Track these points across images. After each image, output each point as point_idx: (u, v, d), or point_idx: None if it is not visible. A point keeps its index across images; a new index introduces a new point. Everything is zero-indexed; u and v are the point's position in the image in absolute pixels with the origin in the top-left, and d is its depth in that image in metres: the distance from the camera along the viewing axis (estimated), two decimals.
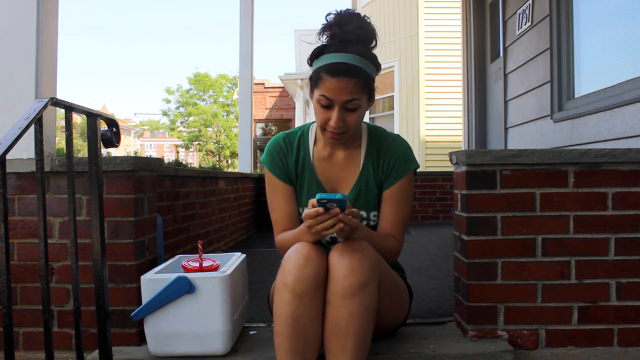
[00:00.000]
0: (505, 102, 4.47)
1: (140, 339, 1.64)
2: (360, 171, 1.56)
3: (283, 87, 17.83)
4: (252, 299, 2.15)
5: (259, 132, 19.25)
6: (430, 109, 8.76)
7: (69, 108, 1.32)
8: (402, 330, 1.73)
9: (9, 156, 1.12)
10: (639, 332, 1.63)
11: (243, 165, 4.98)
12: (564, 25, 3.33)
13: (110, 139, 1.46)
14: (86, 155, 1.45)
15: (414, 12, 8.92)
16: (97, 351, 1.50)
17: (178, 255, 1.82)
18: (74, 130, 1.41)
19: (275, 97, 19.10)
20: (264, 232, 4.58)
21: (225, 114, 26.72)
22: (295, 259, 1.32)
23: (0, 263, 1.08)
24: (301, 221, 1.55)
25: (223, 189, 3.56)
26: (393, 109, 9.42)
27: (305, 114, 13.94)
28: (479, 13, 5.43)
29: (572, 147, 3.04)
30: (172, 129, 28.44)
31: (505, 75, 4.45)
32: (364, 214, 1.56)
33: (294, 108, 17.47)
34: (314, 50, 1.47)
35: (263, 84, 18.91)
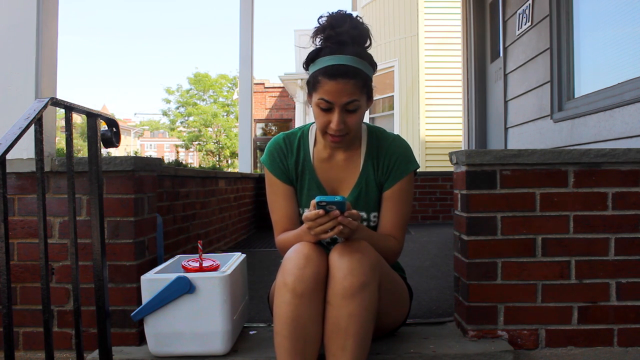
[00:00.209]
0: (505, 102, 4.47)
1: (140, 339, 1.64)
2: (360, 172, 1.56)
3: (283, 87, 17.83)
4: (252, 299, 2.15)
5: (259, 132, 19.25)
6: (430, 109, 8.76)
7: (69, 108, 1.32)
8: (402, 330, 1.73)
9: (9, 156, 1.12)
10: (639, 332, 1.63)
11: (243, 165, 4.98)
12: (564, 25, 3.34)
13: (110, 139, 1.46)
14: (86, 155, 1.45)
15: (414, 12, 8.92)
16: (97, 351, 1.50)
17: (178, 255, 1.82)
18: (74, 130, 1.41)
19: (275, 97, 19.10)
20: (264, 232, 4.58)
21: (225, 114, 26.72)
22: (295, 259, 1.33)
23: (0, 263, 1.08)
24: (301, 222, 1.56)
25: (223, 189, 3.56)
26: (393, 109, 9.42)
27: (305, 114, 13.94)
28: (479, 13, 5.43)
29: (572, 147, 3.04)
30: (172, 129, 28.45)
31: (505, 75, 4.45)
32: (364, 214, 1.56)
33: (294, 108, 17.47)
34: (309, 54, 1.46)
35: (263, 84, 18.90)
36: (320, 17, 1.47)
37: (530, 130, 3.91)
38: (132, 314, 1.51)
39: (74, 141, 3.74)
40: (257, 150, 15.64)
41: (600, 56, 3.10)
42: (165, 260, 1.79)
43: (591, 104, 2.93)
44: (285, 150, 1.58)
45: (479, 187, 1.64)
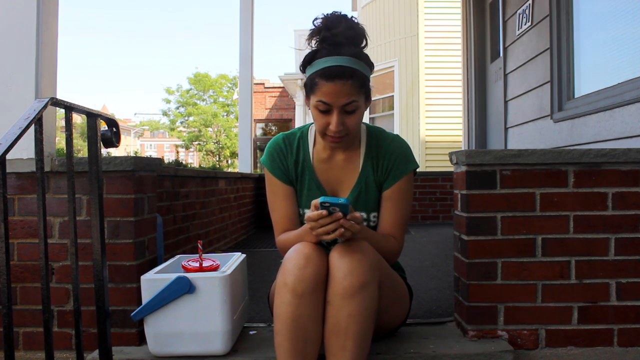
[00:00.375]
0: (505, 102, 4.47)
1: (140, 339, 1.64)
2: (360, 172, 1.56)
3: (283, 87, 17.83)
4: (252, 299, 2.15)
5: (259, 132, 19.25)
6: (430, 109, 8.76)
7: (69, 108, 1.32)
8: (402, 330, 1.73)
9: (9, 156, 1.12)
10: (639, 332, 1.63)
11: (243, 165, 4.98)
12: (564, 25, 3.34)
13: (110, 139, 1.46)
14: (86, 155, 1.45)
15: (414, 12, 8.92)
16: (97, 351, 1.50)
17: (178, 255, 1.82)
18: (74, 130, 1.41)
19: (275, 97, 19.10)
20: (264, 232, 4.58)
21: (225, 114, 26.73)
22: (295, 259, 1.33)
23: (0, 263, 1.08)
24: (302, 222, 1.56)
25: (223, 189, 3.56)
26: (393, 109, 9.42)
27: (305, 114, 13.95)
28: (479, 13, 5.43)
29: (572, 147, 3.04)
30: (172, 129, 28.45)
31: (505, 75, 4.45)
32: (364, 214, 1.56)
33: (294, 108, 17.47)
34: (305, 57, 1.46)
35: (263, 84, 18.90)
36: (315, 19, 1.46)
37: (530, 130, 3.91)
38: (132, 314, 1.51)
39: (74, 141, 3.74)
40: (257, 150, 15.64)
41: (600, 56, 3.10)
42: (165, 260, 1.79)
43: (591, 104, 2.93)
44: (284, 151, 1.58)
45: (479, 187, 1.64)
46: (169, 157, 31.60)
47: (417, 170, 1.59)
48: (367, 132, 1.59)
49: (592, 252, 1.63)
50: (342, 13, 1.46)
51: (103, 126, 1.47)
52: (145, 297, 1.50)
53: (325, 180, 1.57)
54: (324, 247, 1.44)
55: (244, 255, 1.81)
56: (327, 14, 1.45)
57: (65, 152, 1.39)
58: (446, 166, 3.47)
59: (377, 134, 1.59)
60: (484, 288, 1.63)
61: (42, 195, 1.21)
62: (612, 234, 1.63)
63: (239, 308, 1.64)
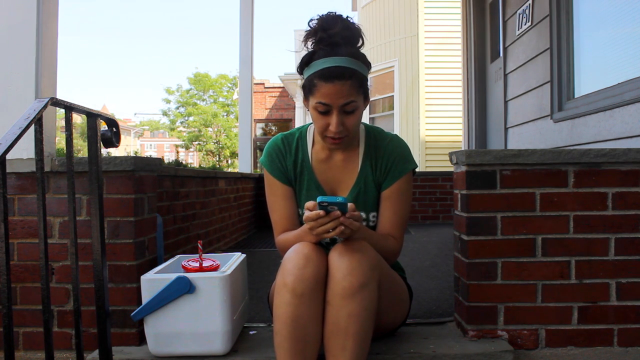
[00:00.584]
0: (505, 102, 4.47)
1: (140, 339, 1.64)
2: (359, 172, 1.56)
3: (283, 87, 17.84)
4: (252, 299, 2.15)
5: (259, 132, 19.25)
6: (430, 109, 8.76)
7: (69, 108, 1.32)
8: (402, 330, 1.73)
9: (9, 156, 1.12)
10: (639, 332, 1.63)
11: (243, 165, 4.98)
12: (564, 25, 3.34)
13: (110, 139, 1.46)
14: (86, 155, 1.45)
15: (414, 12, 8.92)
16: (97, 351, 1.50)
17: (178, 255, 1.82)
18: (74, 130, 1.41)
19: (275, 97, 19.10)
20: (264, 232, 4.58)
21: (225, 114, 26.73)
22: (295, 259, 1.32)
23: (0, 263, 1.08)
24: (301, 222, 1.56)
25: (223, 189, 3.56)
26: (393, 109, 9.42)
27: (305, 114, 13.96)
28: (479, 13, 5.43)
29: (572, 147, 3.04)
30: (172, 129, 28.45)
31: (505, 75, 4.45)
32: (363, 214, 1.56)
33: (294, 108, 17.48)
34: (303, 58, 1.45)
35: (263, 84, 18.91)
36: (311, 20, 1.46)
37: (530, 130, 3.91)
38: (132, 314, 1.51)
39: (74, 141, 3.74)
40: (257, 150, 15.65)
41: (600, 56, 3.10)
42: (165, 260, 1.79)
43: (591, 104, 2.93)
44: (283, 151, 1.58)
45: (479, 187, 1.64)
46: (169, 157, 31.62)
47: (417, 170, 1.59)
48: (365, 132, 1.59)
49: (592, 252, 1.63)
50: (337, 13, 1.46)
51: (103, 126, 1.47)
52: (145, 297, 1.50)
53: (324, 181, 1.57)
54: (323, 247, 1.44)
55: (244, 255, 1.81)
56: (323, 15, 1.45)
57: (65, 152, 1.39)
58: (446, 166, 3.47)
59: (375, 134, 1.59)
60: (484, 288, 1.63)
61: (42, 195, 1.21)
62: (612, 234, 1.63)
63: (239, 308, 1.64)
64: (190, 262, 1.63)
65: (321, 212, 1.28)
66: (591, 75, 3.20)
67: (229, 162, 26.50)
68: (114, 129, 1.47)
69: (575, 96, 3.28)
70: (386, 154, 1.56)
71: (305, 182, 1.57)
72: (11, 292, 1.11)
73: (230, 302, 1.51)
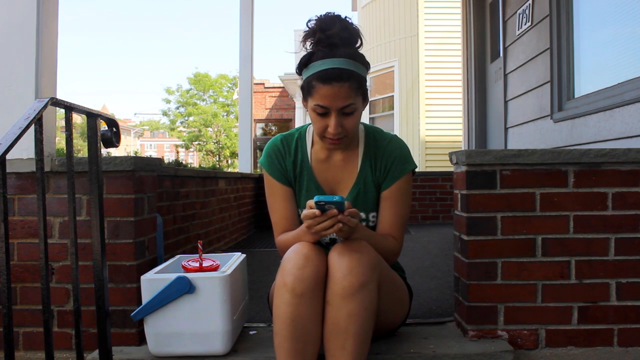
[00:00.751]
0: (505, 102, 4.47)
1: (140, 339, 1.64)
2: (358, 172, 1.56)
3: (283, 87, 17.84)
4: (252, 299, 2.15)
5: (259, 132, 19.25)
6: (430, 109, 8.76)
7: (69, 108, 1.32)
8: (402, 330, 1.73)
9: (9, 156, 1.12)
10: (639, 332, 1.63)
11: (243, 165, 4.98)
12: (564, 25, 3.34)
13: (110, 139, 1.46)
14: (86, 155, 1.45)
15: (414, 12, 8.93)
16: (97, 351, 1.50)
17: (178, 255, 1.82)
18: (74, 130, 1.41)
19: (275, 97, 19.10)
20: (264, 232, 4.58)
21: (225, 114, 26.73)
22: (294, 259, 1.32)
23: (0, 263, 1.08)
24: (301, 222, 1.56)
25: (223, 189, 3.56)
26: (393, 109, 9.42)
27: (305, 114, 13.95)
28: (479, 13, 5.43)
29: (572, 147, 3.04)
30: (172, 129, 28.46)
31: (505, 75, 4.45)
32: (362, 215, 1.56)
33: (294, 108, 17.47)
34: (301, 59, 1.45)
35: (263, 84, 18.90)
36: (309, 20, 1.46)
37: (530, 130, 3.91)
38: (132, 314, 1.51)
39: (74, 141, 3.74)
40: (257, 150, 15.65)
41: (600, 56, 3.10)
42: (165, 260, 1.79)
43: (591, 104, 2.93)
44: (282, 152, 1.58)
45: (479, 187, 1.64)
46: (169, 157, 31.60)
47: (417, 170, 1.59)
48: (365, 132, 1.59)
49: (592, 252, 1.63)
50: (335, 14, 1.45)
51: (103, 126, 1.47)
52: (145, 297, 1.50)
53: (324, 181, 1.57)
54: (323, 247, 1.44)
55: (244, 255, 1.81)
56: (321, 15, 1.45)
57: (65, 152, 1.39)
58: (446, 166, 3.47)
59: (375, 134, 1.59)
60: (484, 288, 1.63)
61: (42, 195, 1.21)
62: (612, 234, 1.63)
63: (239, 308, 1.64)
64: (190, 262, 1.63)
65: (317, 211, 1.28)
66: (591, 75, 3.20)
67: (229, 162, 26.50)
68: (114, 129, 1.47)
69: (575, 96, 3.28)
70: (386, 155, 1.55)
71: (304, 183, 1.57)
72: (11, 292, 1.10)
73: (230, 302, 1.51)
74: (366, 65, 1.46)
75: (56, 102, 1.28)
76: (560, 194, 1.63)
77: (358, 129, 1.57)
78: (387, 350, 1.55)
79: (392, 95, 9.46)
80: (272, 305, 1.53)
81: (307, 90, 1.43)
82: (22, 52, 1.81)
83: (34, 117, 1.18)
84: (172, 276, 1.48)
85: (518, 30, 4.09)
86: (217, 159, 26.38)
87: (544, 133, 3.61)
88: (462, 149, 4.35)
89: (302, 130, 1.62)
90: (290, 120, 18.71)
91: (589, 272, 1.63)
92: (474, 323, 1.64)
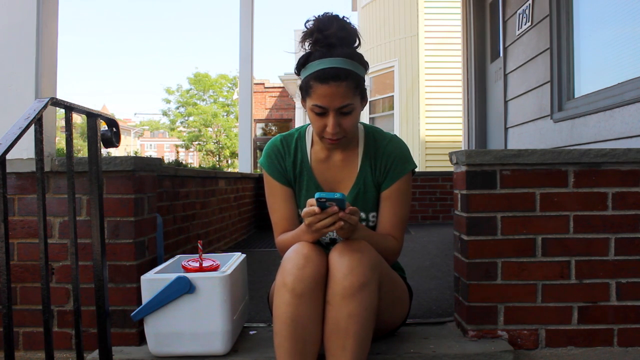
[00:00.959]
0: (505, 102, 4.47)
1: (140, 339, 1.64)
2: (358, 172, 1.56)
3: (283, 87, 17.83)
4: (252, 299, 2.15)
5: (259, 132, 19.24)
6: (430, 109, 8.76)
7: (69, 108, 1.32)
8: (402, 330, 1.73)
9: (9, 156, 1.12)
10: (639, 332, 1.63)
11: (243, 165, 4.98)
12: (564, 25, 3.34)
13: (110, 139, 1.46)
14: (86, 155, 1.45)
15: (414, 12, 8.93)
16: (97, 351, 1.50)
17: (178, 255, 1.82)
18: (74, 130, 1.41)
19: (275, 97, 19.09)
20: (264, 232, 4.58)
21: (225, 114, 26.73)
22: (294, 259, 1.32)
23: (0, 263, 1.08)
24: (300, 222, 1.56)
25: (223, 189, 3.56)
26: (393, 109, 9.42)
27: (305, 114, 13.94)
28: (479, 13, 5.43)
29: (572, 147, 3.04)
30: (172, 129, 28.45)
31: (505, 75, 4.45)
32: (362, 215, 1.56)
33: (294, 108, 17.47)
34: (299, 60, 1.45)
35: (263, 84, 18.90)
36: (307, 21, 1.46)
37: (530, 130, 3.91)
38: (132, 314, 1.51)
39: (74, 141, 3.74)
40: (257, 150, 15.65)
41: (600, 56, 3.10)
42: (165, 260, 1.79)
43: (591, 104, 2.93)
44: (282, 152, 1.58)
45: (479, 187, 1.64)
46: (169, 157, 31.60)
47: (417, 170, 1.59)
48: (365, 132, 1.59)
49: (592, 252, 1.63)
50: (333, 14, 1.45)
51: (103, 126, 1.47)
52: (145, 297, 1.50)
53: (324, 181, 1.57)
54: (323, 247, 1.44)
55: (244, 255, 1.81)
56: (319, 16, 1.45)
57: (65, 152, 1.39)
58: (446, 166, 3.47)
59: (374, 134, 1.59)
60: (484, 288, 1.63)
61: (42, 195, 1.21)
62: (612, 234, 1.63)
63: (239, 308, 1.64)
64: (190, 262, 1.63)
65: (317, 208, 1.28)
66: (591, 75, 3.20)
67: (229, 162, 26.50)
68: (114, 129, 1.47)
69: (575, 96, 3.28)
70: (385, 155, 1.55)
71: (304, 183, 1.57)
72: (11, 292, 1.11)
73: (230, 302, 1.51)
74: (364, 65, 1.46)
75: (56, 102, 1.28)
76: (560, 194, 1.63)
77: (357, 128, 1.57)
78: (387, 350, 1.55)
79: (392, 95, 9.46)
80: (272, 305, 1.53)
81: (305, 90, 1.44)
82: (22, 52, 1.81)
83: (34, 117, 1.18)
84: (172, 276, 1.48)
85: (518, 30, 4.09)
86: (217, 159, 26.38)
87: (544, 133, 3.61)
88: (462, 149, 4.35)
89: (302, 131, 1.62)
90: (290, 120, 18.71)
91: (589, 272, 1.63)
92: (474, 323, 1.64)
